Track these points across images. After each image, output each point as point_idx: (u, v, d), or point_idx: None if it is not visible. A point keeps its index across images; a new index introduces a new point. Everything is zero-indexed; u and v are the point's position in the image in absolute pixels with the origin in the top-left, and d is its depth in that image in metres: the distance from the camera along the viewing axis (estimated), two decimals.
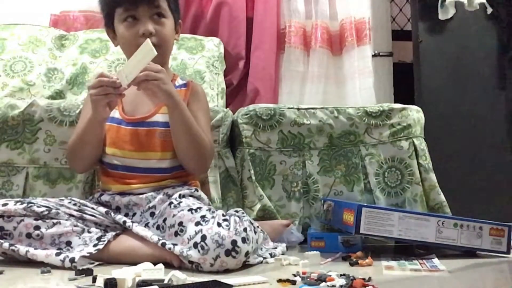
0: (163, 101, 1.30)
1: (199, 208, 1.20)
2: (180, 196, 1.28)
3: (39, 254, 1.15)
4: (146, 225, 1.26)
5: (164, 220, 1.21)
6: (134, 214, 1.32)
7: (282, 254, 1.32)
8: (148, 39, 1.24)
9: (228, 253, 1.08)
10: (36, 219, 1.19)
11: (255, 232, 1.20)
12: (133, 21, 1.36)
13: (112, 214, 1.28)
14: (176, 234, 1.15)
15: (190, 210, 1.19)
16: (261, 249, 1.30)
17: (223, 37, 2.25)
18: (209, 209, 1.21)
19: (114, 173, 1.36)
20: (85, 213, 1.27)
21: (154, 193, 1.32)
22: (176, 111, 1.30)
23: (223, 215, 1.17)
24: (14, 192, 1.51)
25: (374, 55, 2.47)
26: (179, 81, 1.49)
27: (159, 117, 1.38)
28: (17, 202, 1.21)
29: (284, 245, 1.40)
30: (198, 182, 1.46)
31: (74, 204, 1.29)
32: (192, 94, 1.46)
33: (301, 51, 2.37)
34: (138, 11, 1.35)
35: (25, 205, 1.19)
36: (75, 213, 1.25)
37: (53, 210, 1.21)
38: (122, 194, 1.34)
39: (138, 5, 1.35)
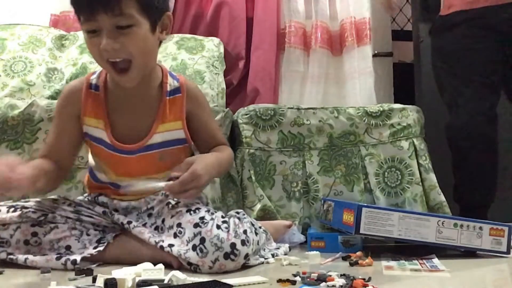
0: None
1: (198, 209, 1.18)
2: None
3: (39, 260, 1.13)
4: (144, 225, 1.24)
5: (163, 221, 1.20)
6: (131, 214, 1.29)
7: (285, 254, 1.32)
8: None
9: (227, 256, 1.08)
10: (33, 225, 1.16)
11: (256, 234, 1.20)
12: (95, 33, 1.13)
13: (110, 214, 1.25)
14: (175, 235, 1.14)
15: (189, 211, 1.17)
16: (264, 249, 1.29)
17: (223, 37, 2.25)
18: (208, 210, 1.19)
19: (109, 188, 1.30)
20: (82, 214, 1.23)
21: (153, 195, 1.28)
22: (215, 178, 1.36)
23: (222, 217, 1.16)
24: None
25: (374, 55, 2.46)
26: (170, 84, 1.30)
27: (157, 138, 1.26)
28: (10, 208, 1.18)
29: (287, 245, 1.39)
30: None
31: (69, 205, 1.25)
32: (191, 99, 1.31)
33: (301, 51, 2.37)
34: (98, 23, 1.11)
35: (19, 211, 1.16)
36: (71, 215, 1.22)
37: (50, 215, 1.18)
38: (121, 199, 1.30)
39: (96, 15, 1.10)
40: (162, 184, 1.17)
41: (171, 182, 1.15)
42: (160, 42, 1.26)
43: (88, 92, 1.26)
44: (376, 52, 2.50)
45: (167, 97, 1.28)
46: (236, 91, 2.27)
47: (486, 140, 1.71)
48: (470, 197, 1.73)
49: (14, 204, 1.21)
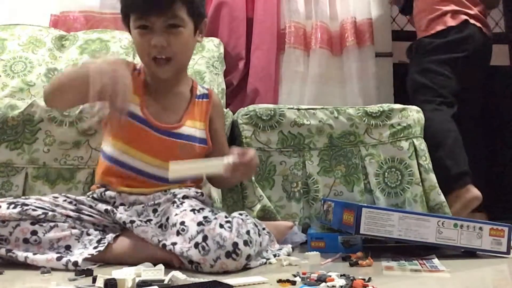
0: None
1: (202, 209, 1.21)
2: (184, 197, 1.27)
3: (40, 259, 1.12)
4: (148, 221, 1.25)
5: (167, 219, 1.21)
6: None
7: (288, 255, 1.32)
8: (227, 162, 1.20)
9: (228, 255, 1.08)
10: (32, 223, 1.16)
11: (259, 235, 1.20)
12: (146, 29, 1.27)
13: (112, 213, 1.25)
14: (178, 233, 1.15)
15: (193, 210, 1.19)
16: (267, 251, 1.29)
17: (223, 37, 2.25)
18: (212, 211, 1.21)
19: (121, 173, 1.31)
20: (83, 213, 1.24)
21: (161, 193, 1.30)
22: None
23: (226, 217, 1.16)
24: (13, 193, 1.51)
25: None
26: (200, 90, 1.46)
27: (185, 129, 1.36)
28: (10, 204, 1.17)
29: (289, 246, 1.40)
30: (203, 186, 1.46)
31: (70, 203, 1.25)
32: (214, 107, 1.47)
33: (301, 51, 2.37)
34: (151, 21, 1.26)
35: (19, 208, 1.16)
36: (72, 213, 1.22)
37: (50, 213, 1.18)
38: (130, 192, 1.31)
39: (151, 15, 1.25)
40: (226, 160, 1.22)
41: (230, 160, 1.22)
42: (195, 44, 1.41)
43: (132, 72, 1.36)
44: (376, 52, 2.49)
45: (196, 99, 1.43)
46: (236, 91, 2.27)
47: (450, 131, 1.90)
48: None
49: (14, 200, 1.20)
